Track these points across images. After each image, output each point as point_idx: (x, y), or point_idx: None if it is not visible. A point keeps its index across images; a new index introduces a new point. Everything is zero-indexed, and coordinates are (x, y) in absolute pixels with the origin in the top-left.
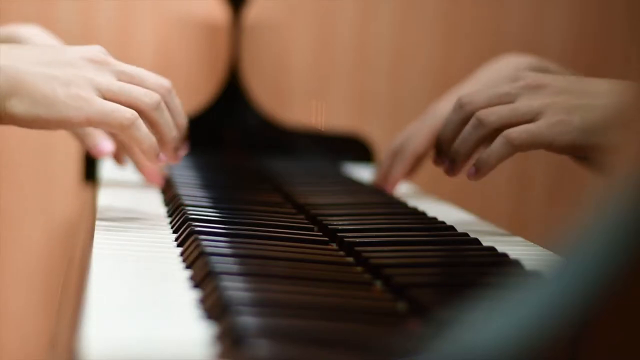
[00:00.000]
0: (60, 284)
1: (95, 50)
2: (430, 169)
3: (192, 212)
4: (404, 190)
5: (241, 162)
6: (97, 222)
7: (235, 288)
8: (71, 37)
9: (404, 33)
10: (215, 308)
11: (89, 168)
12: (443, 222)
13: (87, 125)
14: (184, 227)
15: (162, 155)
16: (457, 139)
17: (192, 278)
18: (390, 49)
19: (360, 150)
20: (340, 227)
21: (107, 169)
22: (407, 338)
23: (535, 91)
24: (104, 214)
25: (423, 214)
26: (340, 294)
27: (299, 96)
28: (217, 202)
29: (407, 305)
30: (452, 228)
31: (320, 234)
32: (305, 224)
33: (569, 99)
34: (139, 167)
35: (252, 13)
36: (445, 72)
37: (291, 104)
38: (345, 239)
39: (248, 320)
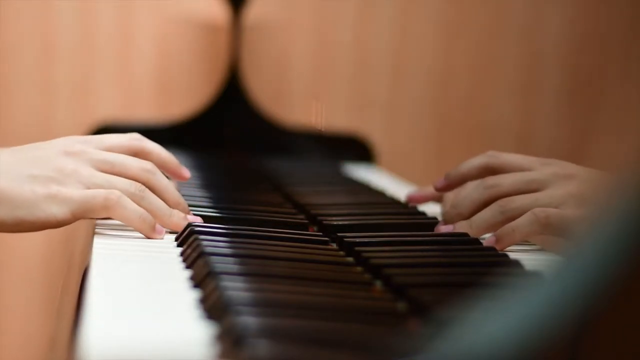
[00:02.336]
0: (60, 285)
1: (73, 141)
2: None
3: (192, 212)
4: (403, 191)
5: (241, 162)
6: (97, 223)
7: (235, 288)
8: (71, 37)
9: (404, 33)
10: (215, 308)
11: None
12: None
13: (74, 219)
14: (184, 227)
15: (159, 227)
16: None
17: (192, 278)
18: (390, 49)
19: (360, 150)
20: (340, 227)
21: None
22: (407, 338)
23: (563, 181)
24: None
25: (423, 214)
26: (340, 294)
27: (299, 96)
28: (217, 202)
29: (407, 305)
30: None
31: (320, 234)
32: (305, 224)
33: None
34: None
35: (252, 13)
36: (445, 72)
37: (291, 104)
38: (345, 239)
39: (248, 320)
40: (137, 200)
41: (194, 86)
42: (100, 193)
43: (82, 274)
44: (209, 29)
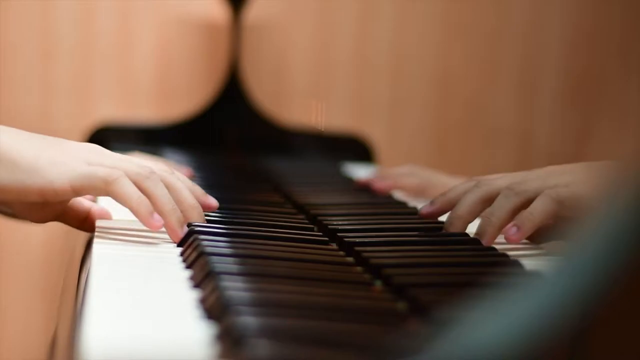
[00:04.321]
0: (60, 284)
1: (94, 145)
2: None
3: None
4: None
5: (241, 162)
6: (97, 223)
7: (235, 288)
8: (71, 37)
9: (404, 33)
10: (215, 308)
11: None
12: (443, 222)
13: (71, 191)
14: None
15: (157, 216)
16: (484, 210)
17: (192, 278)
18: (390, 49)
19: (360, 150)
20: (340, 227)
21: None
22: (407, 338)
23: (563, 172)
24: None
25: None
26: (340, 294)
27: (299, 96)
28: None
29: (407, 305)
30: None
31: (320, 234)
32: (305, 224)
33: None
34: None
35: (252, 13)
36: (445, 72)
37: (291, 104)
38: (345, 239)
39: (248, 320)
40: (141, 180)
41: (194, 86)
42: (102, 168)
43: (82, 273)
44: (209, 29)
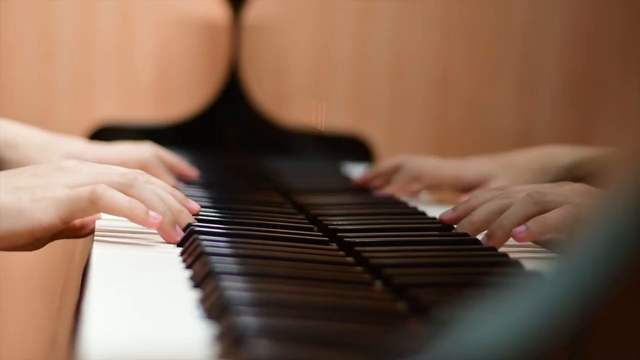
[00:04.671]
0: (60, 285)
1: (68, 162)
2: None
3: None
4: None
5: (241, 162)
6: (97, 223)
7: (235, 288)
8: (71, 37)
9: (404, 33)
10: (215, 308)
11: None
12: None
13: (61, 223)
14: (184, 227)
15: (153, 213)
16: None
17: (192, 278)
18: (390, 49)
19: (360, 150)
20: (340, 227)
21: None
22: (407, 338)
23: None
24: (104, 215)
25: (423, 214)
26: (340, 294)
27: (299, 96)
28: (217, 202)
29: (407, 305)
30: (452, 228)
31: (320, 234)
32: (305, 224)
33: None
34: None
35: (252, 13)
36: (445, 72)
37: (291, 104)
38: (345, 239)
39: (248, 320)
40: (125, 189)
41: (194, 86)
42: (85, 188)
43: (82, 274)
44: (209, 29)
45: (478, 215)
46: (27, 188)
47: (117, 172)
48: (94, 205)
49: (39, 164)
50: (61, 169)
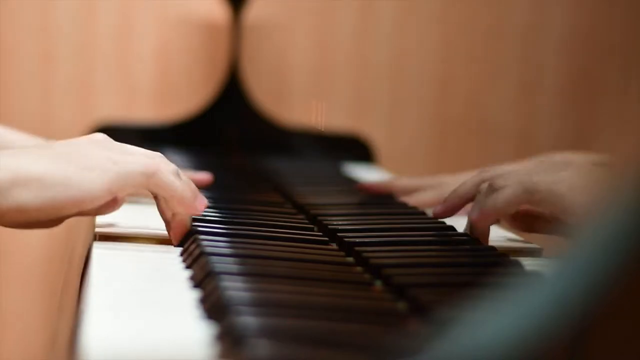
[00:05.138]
0: (60, 284)
1: (100, 136)
2: (431, 169)
3: None
4: None
5: (241, 162)
6: (97, 222)
7: (235, 288)
8: (71, 37)
9: (403, 34)
10: (215, 308)
11: None
12: (443, 222)
13: (110, 194)
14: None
15: (201, 196)
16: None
17: (192, 278)
18: (390, 50)
19: (360, 150)
20: (340, 227)
21: None
22: (407, 338)
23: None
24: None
25: (423, 213)
26: (340, 294)
27: (299, 96)
28: (217, 202)
29: (407, 305)
30: (452, 228)
31: (321, 234)
32: (305, 224)
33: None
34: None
35: (252, 13)
36: (445, 72)
37: (291, 104)
38: (345, 239)
39: (248, 320)
40: (172, 172)
41: (194, 86)
42: (138, 165)
43: (82, 273)
44: (209, 29)
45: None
46: (71, 158)
47: (142, 153)
48: (148, 180)
49: (70, 140)
50: (98, 143)
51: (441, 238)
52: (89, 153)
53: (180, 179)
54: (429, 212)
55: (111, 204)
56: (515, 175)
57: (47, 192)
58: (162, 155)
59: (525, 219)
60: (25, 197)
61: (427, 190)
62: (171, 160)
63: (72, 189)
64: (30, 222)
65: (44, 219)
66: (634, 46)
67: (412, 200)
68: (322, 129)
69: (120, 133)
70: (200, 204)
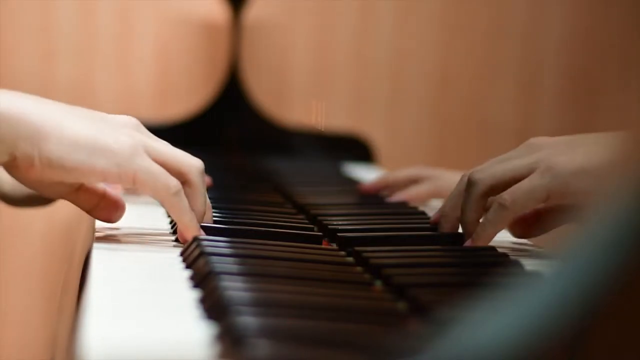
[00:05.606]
0: (60, 284)
1: (128, 118)
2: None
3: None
4: None
5: (241, 162)
6: (97, 222)
7: (235, 288)
8: (71, 37)
9: (404, 33)
10: (215, 308)
11: None
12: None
13: (131, 182)
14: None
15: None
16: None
17: (192, 278)
18: (390, 49)
19: (360, 150)
20: (340, 227)
21: None
22: (407, 338)
23: (533, 150)
24: None
25: (423, 213)
26: (340, 294)
27: (299, 96)
28: (217, 202)
29: (407, 305)
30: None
31: (321, 234)
32: (305, 224)
33: (561, 150)
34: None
35: (252, 13)
36: (446, 72)
37: (291, 104)
38: (346, 239)
39: (248, 320)
40: (196, 176)
41: (194, 86)
42: (168, 175)
43: (82, 273)
44: (209, 29)
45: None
46: (103, 127)
47: (192, 158)
48: (167, 196)
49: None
50: (126, 124)
51: (441, 238)
52: (122, 130)
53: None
54: (429, 212)
55: (91, 199)
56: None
57: (79, 153)
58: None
59: (524, 223)
60: (56, 153)
61: (421, 183)
62: None
63: (105, 158)
64: (45, 186)
65: (66, 181)
66: (633, 46)
67: (407, 194)
68: (322, 129)
69: None
70: (190, 233)
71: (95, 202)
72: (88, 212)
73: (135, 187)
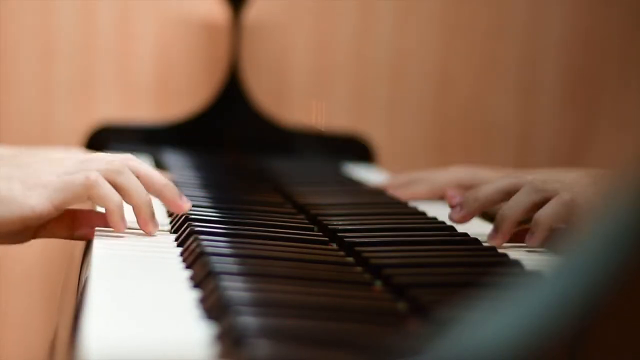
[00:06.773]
0: (60, 284)
1: (62, 152)
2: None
3: (192, 212)
4: None
5: (241, 162)
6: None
7: (235, 288)
8: (71, 37)
9: (404, 33)
10: (215, 308)
11: None
12: (443, 222)
13: (54, 209)
14: (184, 227)
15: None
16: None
17: (192, 278)
18: (390, 49)
19: (360, 150)
20: (340, 227)
21: None
22: (407, 338)
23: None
24: None
25: (423, 213)
26: (340, 294)
27: (299, 96)
28: (217, 202)
29: (407, 305)
30: (452, 228)
31: (321, 234)
32: (305, 224)
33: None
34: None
35: (252, 13)
36: (446, 72)
37: (291, 104)
38: (345, 239)
39: (248, 320)
40: (114, 177)
41: (194, 86)
42: (79, 175)
43: (82, 273)
44: (209, 29)
45: (483, 192)
46: (15, 175)
47: (104, 160)
48: (88, 192)
49: (19, 154)
50: (45, 157)
51: (441, 238)
52: (32, 168)
53: (132, 191)
54: (429, 212)
55: (66, 226)
56: (562, 184)
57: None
58: (131, 157)
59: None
60: None
61: (419, 183)
62: (172, 161)
63: (15, 206)
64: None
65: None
66: (633, 46)
67: (405, 193)
68: (322, 129)
69: (120, 133)
70: (122, 227)
71: (67, 226)
72: (69, 238)
73: (59, 210)
